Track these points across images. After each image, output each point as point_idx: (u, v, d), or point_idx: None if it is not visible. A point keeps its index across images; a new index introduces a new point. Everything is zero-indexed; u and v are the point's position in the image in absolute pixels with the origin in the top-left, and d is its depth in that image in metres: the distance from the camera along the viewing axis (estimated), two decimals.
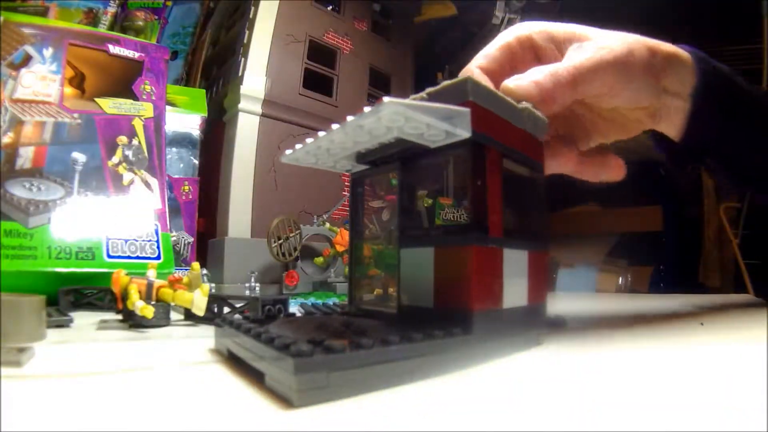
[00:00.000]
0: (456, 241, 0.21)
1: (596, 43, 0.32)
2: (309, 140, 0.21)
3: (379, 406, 0.15)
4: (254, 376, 0.18)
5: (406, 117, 0.18)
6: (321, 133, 0.20)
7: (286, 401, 0.15)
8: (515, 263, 0.23)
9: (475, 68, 0.34)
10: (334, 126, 0.19)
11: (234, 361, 0.21)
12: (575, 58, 0.31)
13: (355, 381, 0.16)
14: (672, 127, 0.36)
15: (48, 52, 0.51)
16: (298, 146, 0.22)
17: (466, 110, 0.20)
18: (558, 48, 0.33)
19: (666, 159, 0.40)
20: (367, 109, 0.17)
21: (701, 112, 0.35)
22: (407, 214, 0.24)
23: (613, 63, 0.30)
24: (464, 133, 0.20)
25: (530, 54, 0.34)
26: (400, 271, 0.24)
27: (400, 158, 0.24)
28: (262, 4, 0.84)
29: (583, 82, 0.29)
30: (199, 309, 0.31)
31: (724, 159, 0.39)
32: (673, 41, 0.34)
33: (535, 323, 0.25)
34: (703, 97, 0.35)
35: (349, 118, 0.18)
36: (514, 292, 0.23)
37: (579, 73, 0.29)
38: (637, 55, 0.32)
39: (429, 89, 0.22)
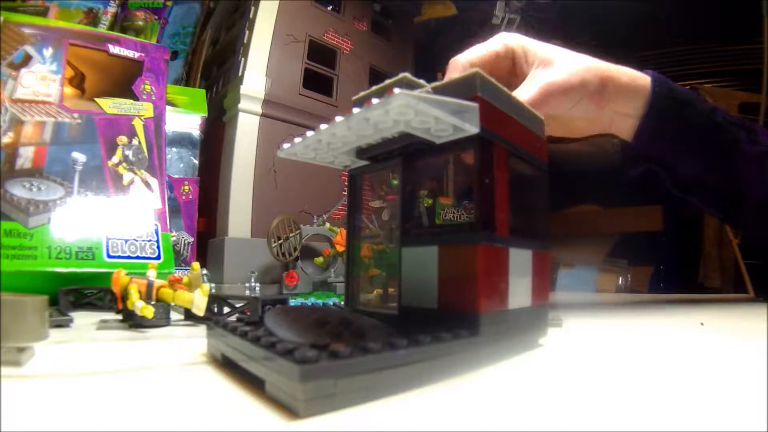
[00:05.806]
0: (462, 239, 0.21)
1: (553, 72, 0.38)
2: (309, 133, 0.21)
3: (389, 414, 0.14)
4: (252, 380, 0.17)
5: (416, 110, 0.17)
6: (322, 126, 0.19)
7: (289, 411, 0.14)
8: (520, 263, 0.23)
9: (465, 61, 0.40)
10: (338, 118, 0.18)
11: (230, 366, 0.20)
12: (530, 88, 0.37)
13: (363, 388, 0.15)
14: (624, 134, 0.44)
15: (48, 52, 0.50)
16: (297, 140, 0.21)
17: (475, 105, 0.19)
18: (528, 66, 0.40)
19: (621, 156, 0.48)
20: (375, 100, 0.17)
21: (646, 130, 0.43)
22: (409, 211, 0.24)
23: (563, 92, 0.37)
24: (473, 128, 0.19)
25: (508, 63, 0.41)
26: (401, 270, 0.23)
27: (402, 154, 0.23)
28: (262, 4, 0.84)
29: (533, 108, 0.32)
30: (199, 309, 0.31)
31: (667, 169, 0.47)
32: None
33: (538, 325, 0.25)
34: (650, 118, 0.42)
35: (355, 110, 0.18)
36: (519, 293, 0.22)
37: (531, 101, 0.35)
38: (590, 87, 0.39)
39: (433, 83, 0.22)
